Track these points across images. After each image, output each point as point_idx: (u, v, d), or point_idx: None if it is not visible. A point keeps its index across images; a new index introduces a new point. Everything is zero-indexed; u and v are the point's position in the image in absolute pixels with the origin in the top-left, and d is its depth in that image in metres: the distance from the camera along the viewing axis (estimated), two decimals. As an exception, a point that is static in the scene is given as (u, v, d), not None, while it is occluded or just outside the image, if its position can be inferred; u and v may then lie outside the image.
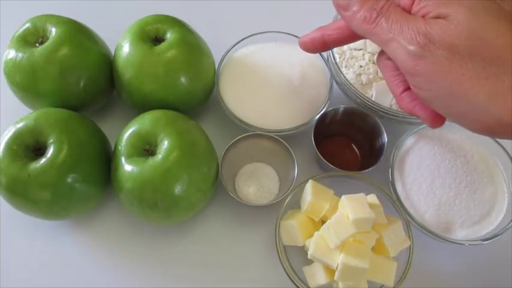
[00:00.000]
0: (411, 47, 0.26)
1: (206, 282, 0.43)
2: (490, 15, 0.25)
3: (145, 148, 0.39)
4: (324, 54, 0.48)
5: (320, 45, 0.34)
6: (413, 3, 0.28)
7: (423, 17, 0.27)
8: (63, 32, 0.42)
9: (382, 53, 0.32)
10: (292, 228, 0.39)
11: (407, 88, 0.31)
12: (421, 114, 0.31)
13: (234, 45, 0.49)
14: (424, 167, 0.44)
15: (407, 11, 0.28)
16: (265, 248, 0.45)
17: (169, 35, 0.44)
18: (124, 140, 0.40)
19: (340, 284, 0.37)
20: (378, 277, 0.37)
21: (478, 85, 0.25)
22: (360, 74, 0.48)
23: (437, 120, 0.30)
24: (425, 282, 0.44)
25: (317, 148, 0.44)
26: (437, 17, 0.26)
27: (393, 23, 0.27)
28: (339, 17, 0.32)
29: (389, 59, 0.31)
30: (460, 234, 0.42)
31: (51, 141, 0.38)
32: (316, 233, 0.38)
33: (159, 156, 0.38)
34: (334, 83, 0.47)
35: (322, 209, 0.40)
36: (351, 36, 0.32)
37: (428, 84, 0.27)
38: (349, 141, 0.49)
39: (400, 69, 0.29)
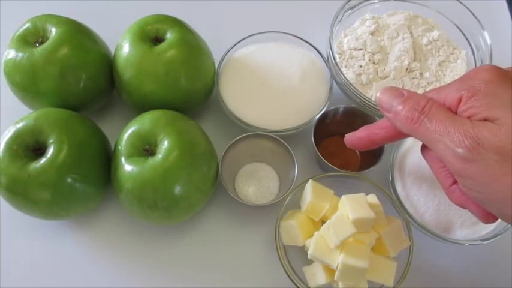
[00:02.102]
0: (459, 150, 0.26)
1: (206, 282, 0.43)
2: None
3: (145, 148, 0.39)
4: (324, 54, 0.48)
5: (367, 143, 0.35)
6: (459, 103, 0.28)
7: (469, 118, 0.27)
8: (63, 32, 0.42)
9: None
10: (292, 228, 0.39)
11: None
12: (473, 209, 0.30)
13: (234, 45, 0.49)
14: (424, 167, 0.43)
15: (453, 111, 0.28)
16: (265, 248, 0.45)
17: (169, 35, 0.44)
18: (124, 140, 0.40)
19: (340, 284, 0.37)
20: (378, 277, 0.37)
21: None
22: (360, 74, 0.48)
23: (490, 217, 0.29)
24: (425, 282, 0.44)
25: (317, 148, 0.44)
26: (485, 120, 0.26)
27: (438, 124, 0.27)
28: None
29: None
30: (460, 234, 0.42)
31: (51, 141, 0.38)
32: (316, 233, 0.38)
33: (159, 156, 0.38)
34: (334, 83, 0.47)
35: (322, 209, 0.40)
36: (398, 134, 0.32)
37: (479, 187, 0.26)
38: (349, 141, 0.49)
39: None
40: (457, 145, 0.26)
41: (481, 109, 0.26)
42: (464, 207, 0.31)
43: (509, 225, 0.40)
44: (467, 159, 0.25)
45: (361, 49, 0.49)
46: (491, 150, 0.25)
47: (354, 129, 0.50)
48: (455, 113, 0.28)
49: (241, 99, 0.47)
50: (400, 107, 0.30)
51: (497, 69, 0.28)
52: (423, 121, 0.28)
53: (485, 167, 0.25)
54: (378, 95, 0.32)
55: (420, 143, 0.44)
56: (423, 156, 0.34)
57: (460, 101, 0.27)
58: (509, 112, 0.25)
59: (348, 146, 0.37)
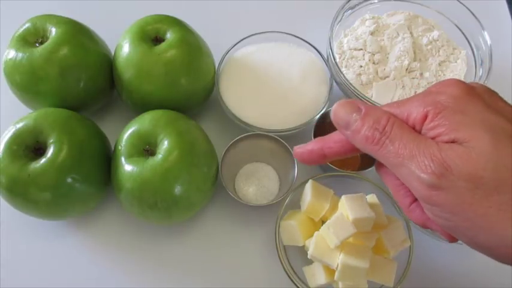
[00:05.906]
0: (425, 176, 0.23)
1: (206, 282, 0.43)
2: None
3: (145, 148, 0.39)
4: (324, 54, 0.48)
5: (318, 157, 0.31)
6: (424, 120, 0.25)
7: (434, 138, 0.24)
8: (63, 32, 0.42)
9: None
10: (292, 228, 0.39)
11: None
12: (436, 229, 0.28)
13: (234, 45, 0.49)
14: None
15: (417, 129, 0.25)
16: (265, 248, 0.45)
17: (169, 35, 0.44)
18: (124, 140, 0.40)
19: (340, 284, 0.37)
20: (378, 277, 0.37)
21: (507, 218, 0.22)
22: (360, 74, 0.48)
23: (455, 238, 0.27)
24: (425, 282, 0.44)
25: (317, 148, 0.44)
26: (453, 141, 0.24)
27: (401, 147, 0.25)
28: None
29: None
30: (460, 234, 0.42)
31: (51, 141, 0.38)
32: (316, 233, 0.38)
33: (159, 156, 0.38)
34: (334, 83, 0.47)
35: (322, 209, 0.40)
36: (355, 150, 0.29)
37: (447, 215, 0.24)
38: (349, 141, 0.49)
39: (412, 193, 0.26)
40: (423, 171, 0.23)
41: (449, 129, 0.24)
42: (426, 227, 0.28)
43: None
44: (434, 186, 0.23)
45: (361, 49, 0.49)
46: (461, 177, 0.23)
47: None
48: (419, 132, 0.25)
49: (241, 99, 0.47)
50: (358, 125, 0.27)
51: (465, 84, 0.26)
52: (384, 143, 0.25)
53: (455, 195, 0.23)
54: (332, 109, 0.28)
55: None
56: (377, 172, 0.31)
57: (425, 117, 0.25)
58: (480, 133, 0.23)
59: (298, 160, 0.33)
